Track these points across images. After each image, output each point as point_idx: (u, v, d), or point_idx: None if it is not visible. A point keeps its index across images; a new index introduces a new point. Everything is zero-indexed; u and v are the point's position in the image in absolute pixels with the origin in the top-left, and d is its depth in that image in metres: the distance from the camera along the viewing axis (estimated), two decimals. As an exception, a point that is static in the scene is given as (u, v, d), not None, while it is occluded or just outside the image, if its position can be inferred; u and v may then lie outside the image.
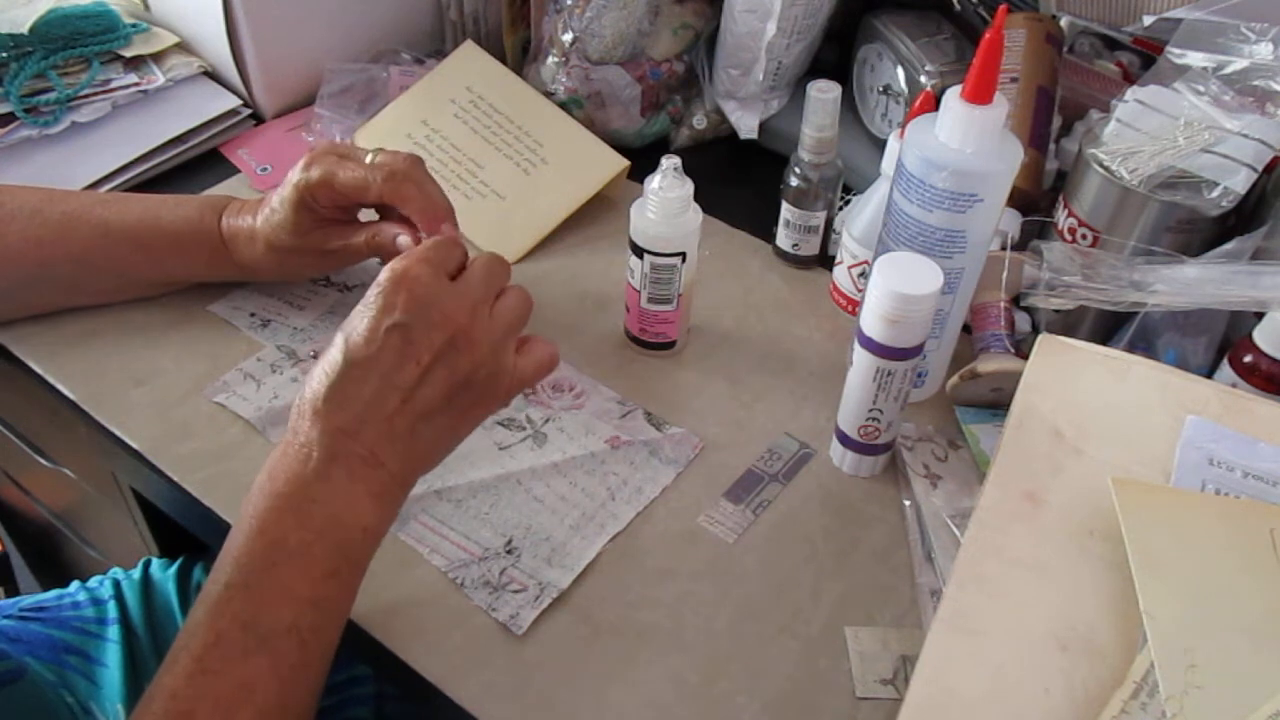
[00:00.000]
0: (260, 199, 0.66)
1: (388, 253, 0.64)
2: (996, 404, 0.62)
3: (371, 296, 0.49)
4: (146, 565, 0.75)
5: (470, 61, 0.83)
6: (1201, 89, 0.62)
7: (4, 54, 0.79)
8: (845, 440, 0.60)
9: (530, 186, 0.78)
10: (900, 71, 0.78)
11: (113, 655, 0.67)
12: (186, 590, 0.72)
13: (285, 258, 0.65)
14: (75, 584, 0.73)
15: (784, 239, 0.75)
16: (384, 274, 0.49)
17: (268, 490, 0.47)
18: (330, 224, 0.64)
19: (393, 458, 0.49)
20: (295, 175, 0.62)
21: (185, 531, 0.64)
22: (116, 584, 0.72)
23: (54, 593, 0.72)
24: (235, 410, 0.62)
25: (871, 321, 0.53)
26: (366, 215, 0.66)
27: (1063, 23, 0.78)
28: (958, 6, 0.79)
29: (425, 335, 0.48)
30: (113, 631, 0.68)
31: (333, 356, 0.48)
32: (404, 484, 0.50)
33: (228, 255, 0.66)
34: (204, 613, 0.44)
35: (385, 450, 0.48)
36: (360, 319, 0.48)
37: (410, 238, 0.62)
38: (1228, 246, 0.58)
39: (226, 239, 0.66)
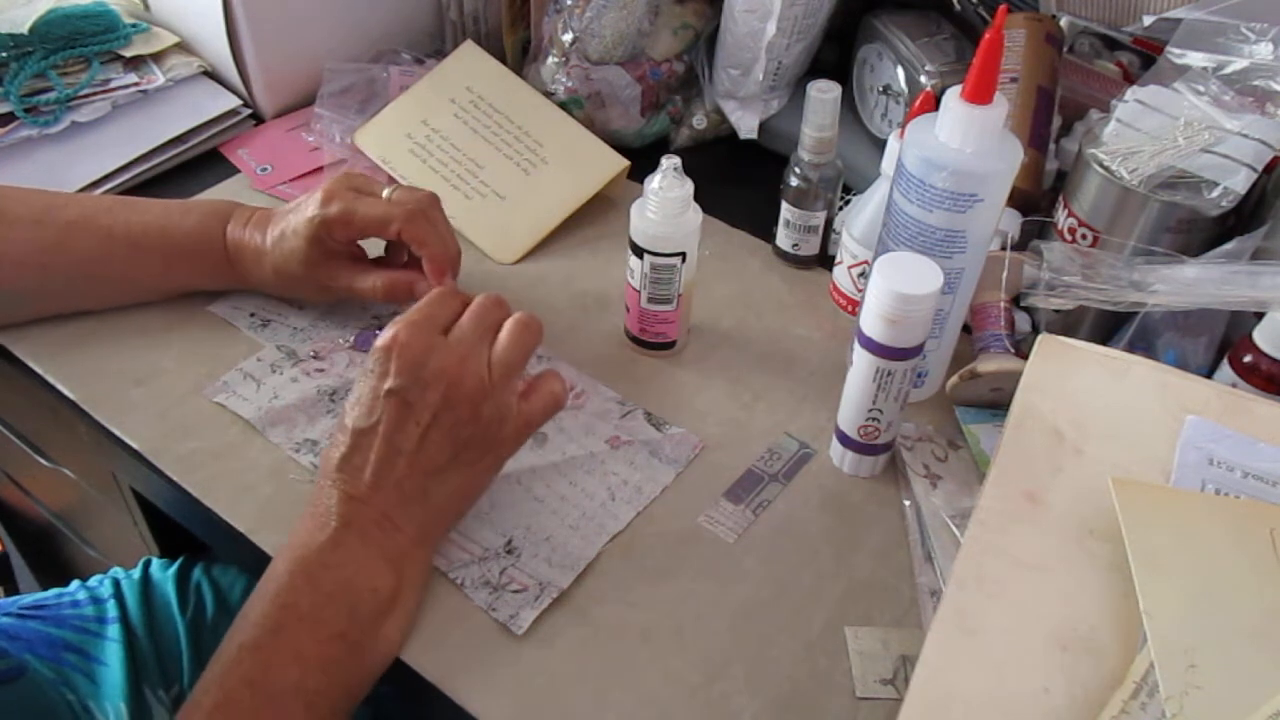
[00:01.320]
0: (268, 212, 0.66)
1: (403, 300, 0.64)
2: (996, 404, 0.62)
3: (370, 364, 0.51)
4: (146, 565, 0.75)
5: (470, 61, 0.83)
6: (1201, 89, 0.62)
7: (4, 54, 0.79)
8: (845, 440, 0.60)
9: (530, 186, 0.78)
10: (900, 71, 0.78)
11: (113, 654, 0.67)
12: (185, 590, 0.72)
13: (290, 284, 0.65)
14: (75, 583, 0.73)
15: (784, 239, 0.75)
16: (378, 341, 0.51)
17: (287, 556, 0.49)
18: (339, 260, 0.64)
19: (407, 521, 0.50)
20: (312, 209, 0.62)
21: (185, 531, 0.64)
22: (116, 583, 0.72)
23: (53, 591, 0.72)
24: (235, 410, 0.62)
25: (871, 321, 0.53)
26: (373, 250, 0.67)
27: (1063, 23, 0.78)
28: (958, 6, 0.79)
29: (420, 396, 0.50)
30: (113, 630, 0.68)
31: (341, 426, 0.51)
32: (423, 544, 0.52)
33: (231, 268, 0.66)
34: (216, 672, 0.46)
35: (399, 513, 0.50)
36: (362, 388, 0.51)
37: (426, 285, 0.63)
38: (1228, 246, 0.58)
39: (232, 253, 0.65)
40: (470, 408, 0.51)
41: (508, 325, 0.54)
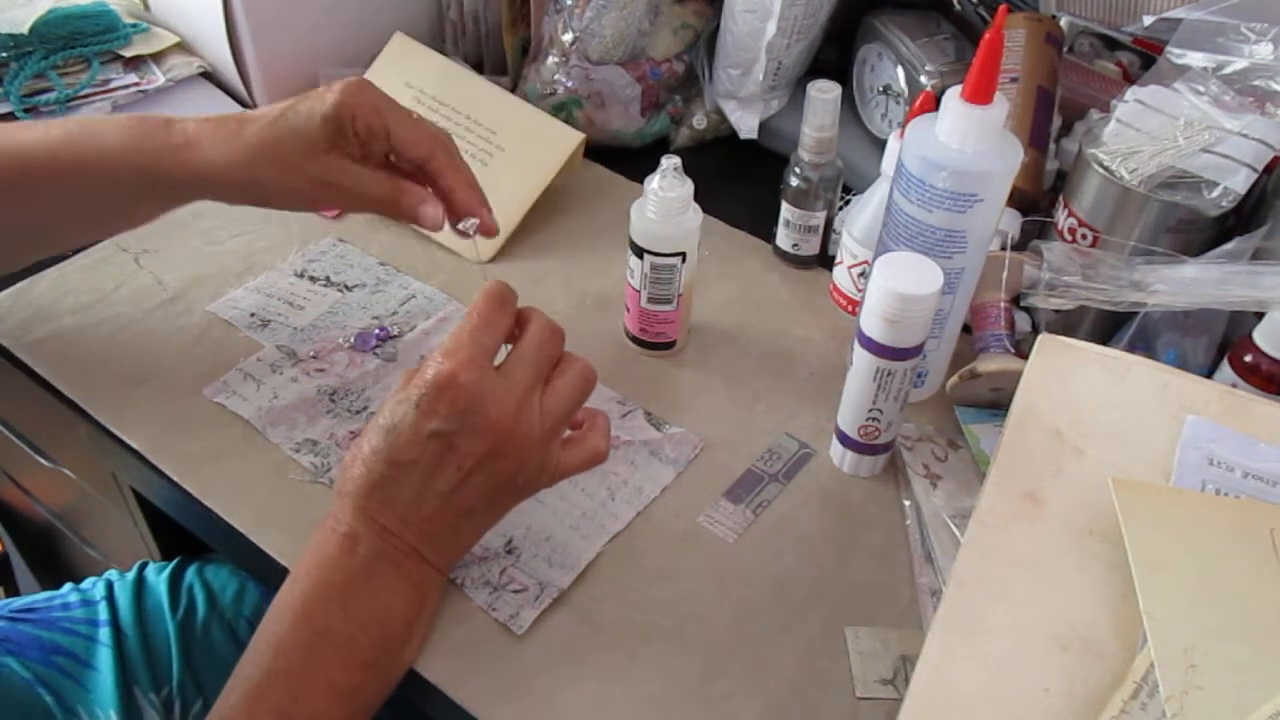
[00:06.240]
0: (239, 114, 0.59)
1: (405, 218, 0.59)
2: (996, 404, 0.62)
3: (414, 394, 0.48)
4: (142, 568, 0.74)
5: (405, 55, 0.80)
6: (1201, 89, 0.62)
7: (4, 54, 0.79)
8: (845, 440, 0.60)
9: (491, 177, 0.72)
10: (900, 71, 0.78)
11: (104, 659, 0.66)
12: (178, 593, 0.71)
13: (270, 167, 0.57)
14: (68, 585, 0.72)
15: (784, 239, 0.75)
16: (429, 373, 0.48)
17: (315, 578, 0.48)
18: (346, 156, 0.58)
19: (434, 554, 0.50)
20: (339, 93, 0.56)
21: (185, 532, 0.64)
22: (110, 585, 0.71)
23: (45, 594, 0.71)
24: (235, 410, 0.62)
25: (871, 321, 0.53)
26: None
27: (1063, 23, 0.78)
28: (958, 6, 0.79)
29: (468, 443, 0.48)
30: (104, 634, 0.67)
31: (374, 449, 0.48)
32: (444, 572, 0.52)
33: (178, 149, 0.57)
34: (240, 697, 0.45)
35: (426, 548, 0.50)
36: (404, 418, 0.48)
37: (437, 211, 0.58)
38: (1228, 246, 0.58)
39: (191, 133, 0.57)
40: (516, 460, 0.49)
41: (569, 376, 0.52)
